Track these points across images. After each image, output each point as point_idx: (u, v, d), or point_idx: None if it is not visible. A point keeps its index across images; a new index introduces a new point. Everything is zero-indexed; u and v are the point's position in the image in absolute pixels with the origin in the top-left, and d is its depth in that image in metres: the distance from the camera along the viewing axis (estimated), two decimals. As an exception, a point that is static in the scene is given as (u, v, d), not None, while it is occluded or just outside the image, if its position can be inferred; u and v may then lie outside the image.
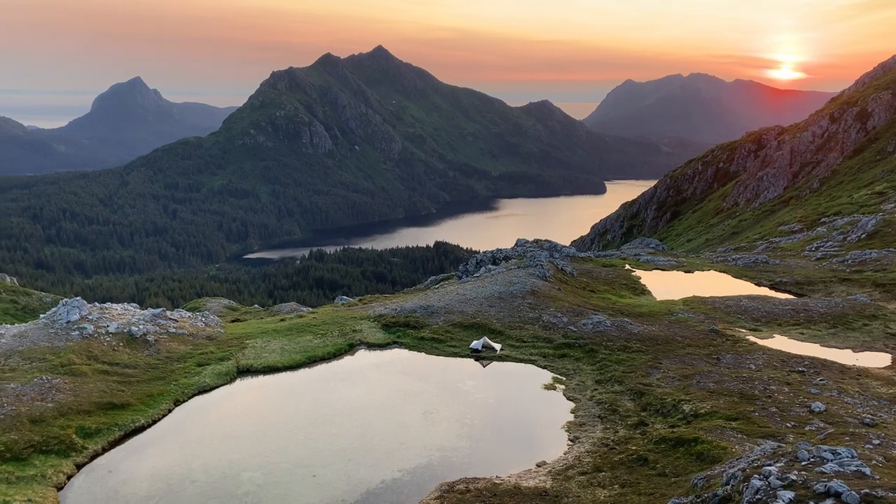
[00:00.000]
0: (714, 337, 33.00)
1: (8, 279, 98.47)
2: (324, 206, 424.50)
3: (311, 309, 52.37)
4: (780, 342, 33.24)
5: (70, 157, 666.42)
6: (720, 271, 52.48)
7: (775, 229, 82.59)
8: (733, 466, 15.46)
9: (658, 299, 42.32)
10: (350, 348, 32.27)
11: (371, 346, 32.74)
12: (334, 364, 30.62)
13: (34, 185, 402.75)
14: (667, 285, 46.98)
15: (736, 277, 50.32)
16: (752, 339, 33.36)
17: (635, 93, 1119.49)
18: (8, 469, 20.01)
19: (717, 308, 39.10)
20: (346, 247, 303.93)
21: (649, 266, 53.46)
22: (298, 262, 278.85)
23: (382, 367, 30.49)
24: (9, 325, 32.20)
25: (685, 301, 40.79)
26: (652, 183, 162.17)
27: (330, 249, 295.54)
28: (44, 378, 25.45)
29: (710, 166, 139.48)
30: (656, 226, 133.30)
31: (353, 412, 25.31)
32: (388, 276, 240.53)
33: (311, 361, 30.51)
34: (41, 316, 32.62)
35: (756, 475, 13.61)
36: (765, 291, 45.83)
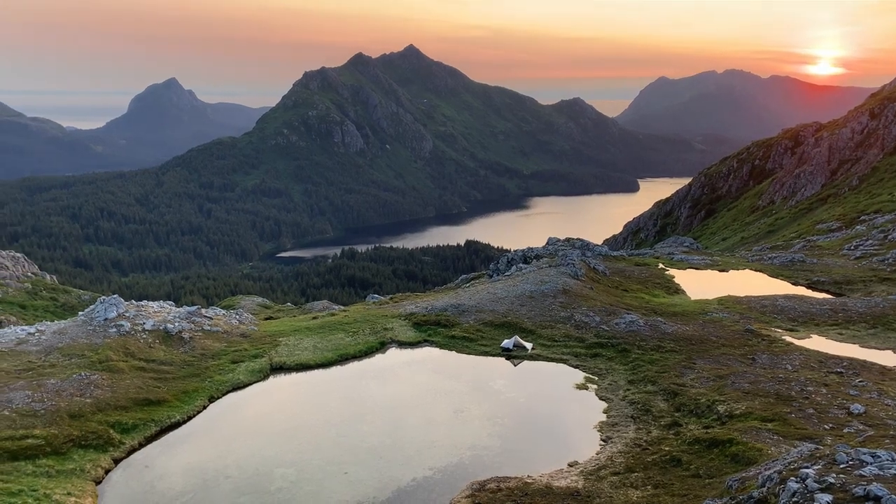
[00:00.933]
0: (749, 337, 32.48)
1: (48, 277, 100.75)
2: (355, 205, 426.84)
3: (342, 307, 52.71)
4: (818, 342, 32.60)
5: (107, 157, 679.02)
6: (756, 270, 51.65)
7: (813, 228, 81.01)
8: (769, 468, 15.20)
9: (692, 299, 41.80)
10: (381, 346, 32.41)
11: (402, 344, 32.84)
12: (366, 362, 30.79)
13: (73, 184, 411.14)
14: (701, 284, 46.37)
15: (772, 276, 49.49)
16: (788, 339, 32.78)
17: (669, 90, 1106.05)
18: (48, 463, 20.47)
19: (752, 308, 38.49)
20: (377, 245, 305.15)
21: (683, 265, 52.82)
22: (330, 260, 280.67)
23: (413, 366, 30.57)
24: (49, 322, 32.95)
25: (720, 300, 40.23)
26: (686, 181, 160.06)
27: (361, 248, 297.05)
28: (82, 374, 25.98)
29: (745, 164, 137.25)
30: (690, 224, 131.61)
31: (385, 410, 25.42)
32: (418, 274, 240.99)
33: (343, 359, 30.72)
34: (80, 313, 33.31)
35: (793, 477, 13.37)
36: (802, 291, 45.00)
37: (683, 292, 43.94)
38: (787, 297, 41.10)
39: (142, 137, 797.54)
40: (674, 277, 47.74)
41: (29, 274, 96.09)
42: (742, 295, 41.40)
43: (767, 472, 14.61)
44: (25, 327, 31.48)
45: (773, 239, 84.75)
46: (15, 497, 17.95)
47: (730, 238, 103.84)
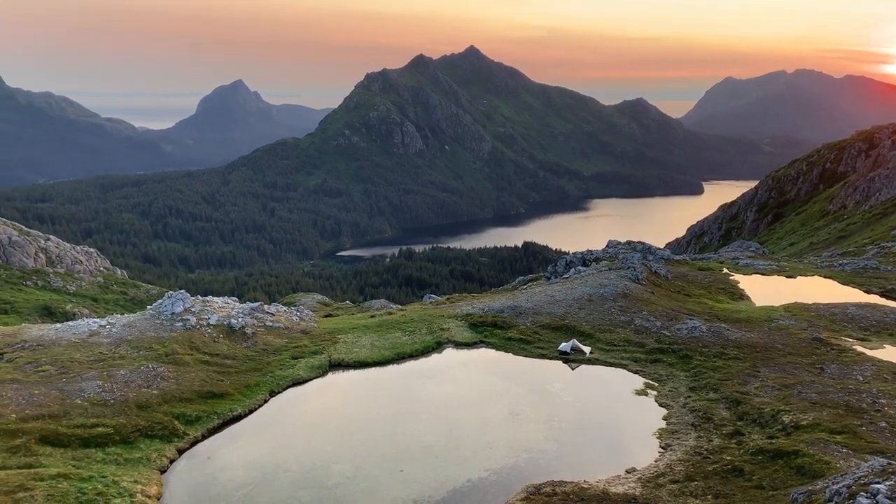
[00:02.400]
0: (817, 346, 31.39)
1: (119, 272, 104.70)
2: (413, 206, 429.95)
3: (400, 306, 53.19)
4: (892, 353, 31.26)
5: (176, 156, 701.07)
6: (825, 277, 49.87)
7: (888, 233, 77.77)
8: (837, 482, 14.66)
9: (757, 305, 40.64)
10: (437, 346, 32.52)
11: (458, 344, 32.87)
12: (422, 361, 30.94)
13: (143, 183, 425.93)
14: (767, 291, 45.03)
15: (843, 284, 47.70)
16: (859, 348, 31.53)
17: (736, 90, 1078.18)
18: (117, 451, 21.25)
19: (821, 315, 37.17)
20: (434, 246, 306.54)
21: (748, 270, 51.41)
22: (388, 260, 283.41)
23: (469, 366, 30.58)
24: (119, 315, 34.19)
25: (786, 307, 38.99)
26: (752, 184, 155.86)
27: (419, 248, 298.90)
28: (150, 366, 26.87)
29: (815, 167, 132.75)
30: (756, 228, 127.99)
31: (440, 410, 25.50)
32: (475, 275, 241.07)
33: (400, 358, 30.94)
34: (148, 307, 34.43)
35: (862, 493, 12.86)
36: (875, 299, 43.19)
37: (748, 298, 42.76)
38: (858, 305, 39.54)
39: (209, 138, 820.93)
40: (738, 283, 46.51)
41: (101, 268, 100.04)
42: (810, 302, 40.02)
43: (836, 486, 14.10)
44: (97, 320, 32.72)
45: (844, 245, 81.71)
46: (86, 482, 18.69)
47: (798, 243, 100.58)
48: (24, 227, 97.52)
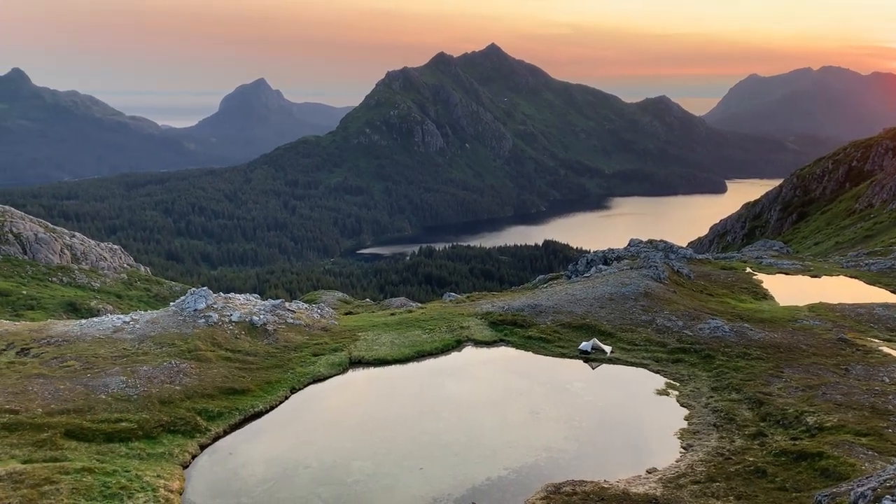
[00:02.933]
0: (843, 346, 30.96)
1: (142, 268, 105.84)
2: (434, 204, 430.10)
3: (419, 304, 53.26)
4: (919, 355, 30.74)
5: (199, 154, 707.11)
6: (851, 277, 49.18)
7: (915, 233, 76.42)
8: (862, 485, 14.45)
9: (781, 305, 40.17)
10: (457, 344, 32.51)
11: (478, 343, 32.84)
12: (442, 359, 30.95)
13: (167, 180, 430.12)
14: (791, 290, 44.49)
15: (869, 284, 47.00)
16: (886, 350, 31.04)
17: (760, 88, 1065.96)
18: (140, 446, 21.50)
19: (846, 316, 36.66)
20: (454, 244, 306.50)
21: (772, 269, 50.84)
22: (408, 258, 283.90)
23: (489, 365, 30.55)
24: (142, 312, 34.58)
25: (811, 307, 38.49)
26: (776, 182, 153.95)
27: (439, 246, 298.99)
28: (172, 362, 27.15)
29: (841, 165, 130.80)
30: (780, 227, 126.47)
31: (460, 408, 25.50)
32: (495, 273, 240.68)
33: (420, 356, 30.98)
34: (171, 304, 34.78)
35: (888, 496, 12.67)
36: (902, 299, 42.49)
37: (772, 298, 42.29)
38: (885, 305, 38.94)
39: (231, 136, 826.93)
40: (762, 282, 46.01)
41: (125, 265, 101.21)
42: (835, 302, 39.48)
43: (861, 489, 13.90)
44: (121, 316, 33.12)
45: (870, 244, 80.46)
46: (110, 477, 18.93)
47: (823, 242, 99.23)
48: (49, 223, 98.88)
